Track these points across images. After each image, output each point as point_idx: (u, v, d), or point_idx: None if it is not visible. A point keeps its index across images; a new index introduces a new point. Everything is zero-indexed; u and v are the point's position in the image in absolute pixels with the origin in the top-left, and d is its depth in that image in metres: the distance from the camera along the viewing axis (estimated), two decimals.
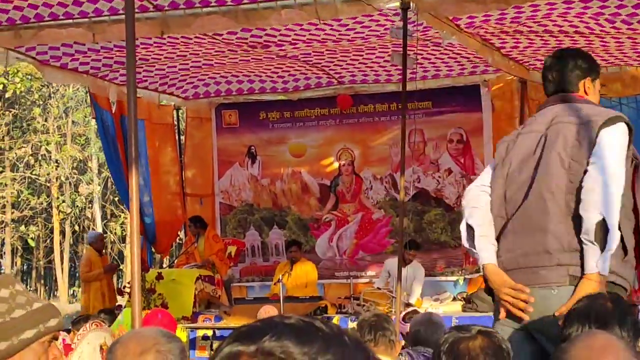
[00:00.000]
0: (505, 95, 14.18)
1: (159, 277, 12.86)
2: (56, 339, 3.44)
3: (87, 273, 14.84)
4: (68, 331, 9.61)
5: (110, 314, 9.93)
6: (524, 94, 13.88)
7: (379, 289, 12.73)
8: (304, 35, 11.27)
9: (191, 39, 11.24)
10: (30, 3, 9.28)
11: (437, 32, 10.45)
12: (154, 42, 11.21)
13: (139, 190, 6.45)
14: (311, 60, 12.93)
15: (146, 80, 13.71)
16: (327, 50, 12.22)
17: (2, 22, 9.74)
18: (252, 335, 1.48)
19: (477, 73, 13.76)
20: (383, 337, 4.75)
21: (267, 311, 9.27)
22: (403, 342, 6.51)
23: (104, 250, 15.07)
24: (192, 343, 12.52)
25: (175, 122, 16.01)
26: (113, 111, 13.96)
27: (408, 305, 12.25)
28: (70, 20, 9.64)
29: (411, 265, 12.80)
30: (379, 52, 12.41)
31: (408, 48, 9.70)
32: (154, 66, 12.79)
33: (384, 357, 4.62)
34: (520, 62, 12.41)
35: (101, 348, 6.15)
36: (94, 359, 6.11)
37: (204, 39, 11.26)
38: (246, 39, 11.39)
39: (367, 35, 11.31)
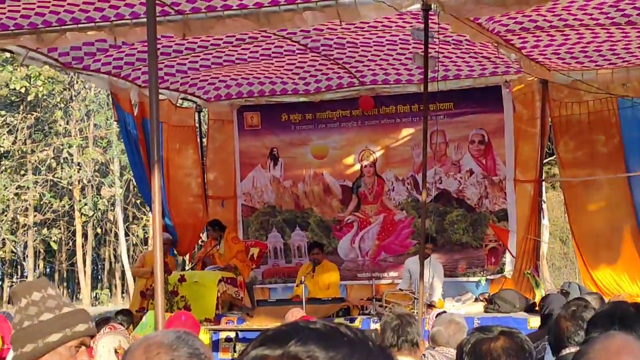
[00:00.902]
0: (526, 96, 14.16)
1: (182, 279, 12.90)
2: (86, 345, 3.44)
3: (136, 268, 14.97)
4: None
5: (129, 315, 9.93)
6: (545, 95, 13.86)
7: (401, 290, 12.72)
8: (324, 31, 11.27)
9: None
10: (52, 10, 9.33)
11: (457, 33, 10.43)
12: (175, 41, 11.23)
13: (161, 192, 6.48)
14: (332, 55, 12.93)
15: (167, 80, 13.75)
16: (347, 42, 12.22)
17: (24, 26, 9.80)
18: (278, 340, 1.48)
19: (499, 74, 13.75)
20: (406, 341, 4.73)
21: (294, 314, 9.25)
22: (427, 344, 6.50)
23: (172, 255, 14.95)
24: (215, 345, 12.54)
25: (197, 125, 16.05)
26: (135, 113, 14.00)
27: (430, 306, 12.25)
28: (92, 24, 9.70)
29: (429, 262, 12.72)
30: (400, 49, 12.41)
31: (429, 49, 9.69)
32: (175, 61, 12.78)
33: (406, 358, 4.62)
34: (542, 62, 12.38)
35: (116, 351, 6.17)
36: None
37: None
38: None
39: (388, 36, 11.32)
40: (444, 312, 8.49)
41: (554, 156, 15.97)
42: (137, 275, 14.86)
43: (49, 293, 3.42)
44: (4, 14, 9.49)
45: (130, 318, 9.79)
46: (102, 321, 8.81)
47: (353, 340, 1.49)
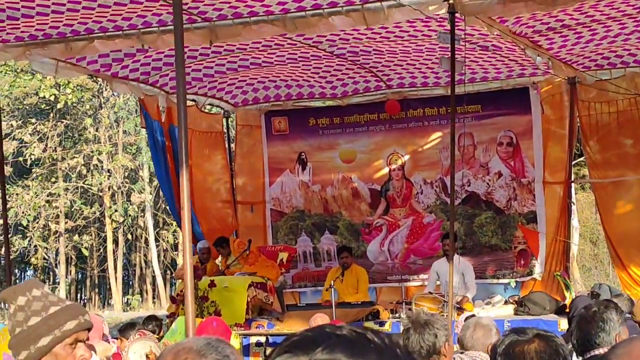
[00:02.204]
0: (554, 97, 14.09)
1: (212, 284, 12.93)
2: (81, 339, 3.40)
3: (178, 270, 15.08)
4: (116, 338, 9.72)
5: (156, 320, 9.96)
6: (574, 96, 13.80)
7: (430, 293, 12.71)
8: (351, 35, 11.29)
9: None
10: (80, 21, 9.42)
11: (484, 35, 10.43)
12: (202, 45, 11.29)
13: (189, 199, 6.52)
14: (359, 61, 12.95)
15: (195, 85, 13.82)
16: (374, 50, 12.24)
17: (52, 36, 9.90)
18: (304, 347, 1.45)
19: (526, 75, 13.72)
20: (422, 348, 4.70)
21: (317, 320, 9.27)
22: (456, 347, 6.49)
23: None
24: (246, 350, 12.58)
25: (225, 130, 16.11)
26: (162, 120, 14.06)
27: (460, 309, 12.23)
28: (120, 32, 9.78)
29: (455, 261, 12.64)
30: (427, 54, 12.42)
31: (456, 51, 9.69)
32: (202, 64, 12.84)
33: None
34: (570, 62, 12.34)
35: (147, 357, 6.22)
36: None
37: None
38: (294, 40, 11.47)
39: (414, 45, 11.34)
40: (473, 315, 8.46)
41: (584, 157, 15.90)
42: (177, 277, 14.97)
43: (33, 295, 3.37)
44: (33, 26, 9.59)
45: (159, 323, 9.81)
46: (128, 326, 8.84)
47: (380, 347, 1.46)
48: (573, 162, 15.01)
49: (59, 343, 3.32)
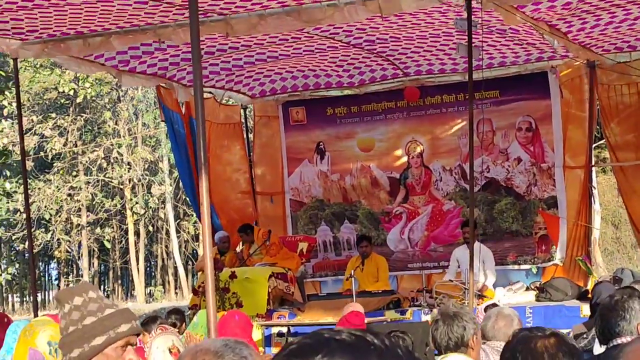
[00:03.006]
0: (574, 80, 14.01)
1: (233, 276, 12.98)
2: (132, 344, 3.49)
3: (198, 262, 15.21)
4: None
5: (179, 313, 9.98)
6: (593, 79, 13.71)
7: (450, 281, 12.70)
8: (368, 24, 11.27)
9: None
10: (98, 24, 9.47)
11: (501, 20, 10.38)
12: (219, 37, 11.30)
13: (209, 192, 6.53)
14: (375, 49, 12.93)
15: (212, 79, 13.84)
16: (390, 37, 12.21)
17: (70, 33, 9.95)
18: (303, 354, 1.43)
19: (544, 60, 13.63)
20: (451, 340, 4.70)
21: (350, 308, 9.22)
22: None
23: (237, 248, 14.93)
24: (268, 340, 12.62)
25: (243, 121, 16.13)
26: (182, 112, 14.09)
27: (481, 296, 12.22)
28: (137, 27, 9.81)
29: (479, 250, 12.60)
30: (443, 41, 12.38)
31: (473, 37, 9.65)
32: (220, 59, 12.86)
33: (458, 357, 4.61)
34: (588, 46, 12.26)
35: (170, 351, 6.24)
36: None
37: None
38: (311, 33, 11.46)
39: (431, 30, 11.30)
40: (494, 304, 8.44)
41: (604, 140, 15.81)
42: (197, 269, 15.04)
43: (90, 296, 3.46)
44: (50, 27, 9.64)
45: (182, 317, 9.84)
46: (150, 319, 8.83)
47: (381, 349, 1.44)
48: (593, 145, 14.90)
49: (111, 344, 3.41)
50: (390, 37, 12.12)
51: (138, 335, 3.57)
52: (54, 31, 9.85)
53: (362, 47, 12.79)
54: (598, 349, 5.72)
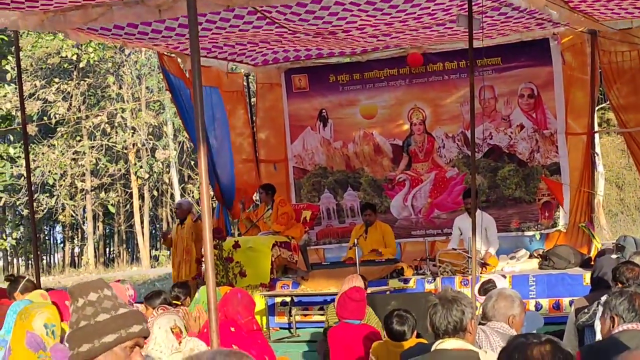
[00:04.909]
0: (575, 47, 13.95)
1: (236, 245, 13.00)
2: (140, 345, 3.52)
3: (165, 234, 15.39)
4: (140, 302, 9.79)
5: (184, 287, 9.97)
6: (595, 45, 13.65)
7: (454, 249, 12.71)
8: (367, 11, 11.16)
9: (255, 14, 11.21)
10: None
11: None
12: (221, 18, 11.23)
13: (207, 162, 6.46)
14: (379, 27, 12.76)
15: (215, 51, 13.77)
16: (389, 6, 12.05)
17: (67, 2, 9.90)
18: None
19: (546, 27, 13.53)
20: (449, 324, 4.72)
21: (352, 281, 9.26)
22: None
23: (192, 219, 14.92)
24: (271, 309, 12.68)
25: (246, 89, 16.09)
26: (187, 76, 13.97)
27: (484, 264, 12.24)
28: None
29: (480, 217, 12.58)
30: (444, 11, 12.24)
31: (473, 7, 9.59)
32: (221, 34, 12.78)
33: (455, 342, 4.62)
34: (590, 14, 12.17)
35: (172, 331, 6.28)
36: (168, 341, 6.26)
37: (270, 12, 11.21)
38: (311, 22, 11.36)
39: (433, 5, 11.19)
40: (489, 280, 8.45)
41: (608, 102, 15.70)
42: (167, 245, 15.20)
43: (105, 294, 3.48)
44: (51, 5, 9.62)
45: (186, 290, 9.83)
46: (155, 294, 8.84)
47: None
48: (597, 107, 14.80)
49: (121, 343, 3.42)
50: (389, 6, 11.93)
51: (146, 337, 3.60)
52: (54, 7, 9.79)
53: (364, 30, 12.61)
54: (599, 325, 5.77)
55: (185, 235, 14.29)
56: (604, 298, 6.14)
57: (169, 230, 16.43)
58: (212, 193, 14.64)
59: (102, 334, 3.40)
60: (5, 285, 8.90)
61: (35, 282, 9.35)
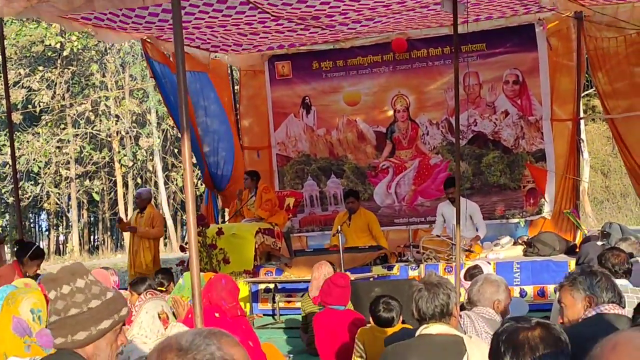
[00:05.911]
0: (561, 32, 13.89)
1: (220, 232, 12.96)
2: (124, 324, 3.56)
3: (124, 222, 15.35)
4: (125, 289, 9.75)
5: (166, 273, 10.03)
6: (581, 30, 13.60)
7: (438, 236, 12.67)
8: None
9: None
10: None
11: None
12: (204, 2, 11.12)
13: (191, 150, 6.43)
14: (362, 12, 12.67)
15: (198, 42, 13.67)
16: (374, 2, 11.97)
17: None
18: None
19: (532, 12, 13.47)
20: (436, 309, 4.67)
21: (322, 267, 9.23)
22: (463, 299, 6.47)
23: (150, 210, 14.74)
24: (255, 296, 12.64)
25: (229, 74, 16.02)
26: (171, 61, 13.87)
27: (469, 251, 12.20)
28: None
29: (465, 204, 12.45)
30: None
31: None
32: (204, 19, 12.67)
33: (440, 327, 4.57)
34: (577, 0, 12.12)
35: (159, 316, 6.23)
36: (154, 327, 6.21)
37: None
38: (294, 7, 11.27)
39: None
40: (476, 266, 8.40)
41: (593, 88, 15.66)
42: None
43: (90, 279, 3.48)
44: None
45: (169, 276, 9.88)
46: (139, 280, 8.88)
47: None
48: (583, 94, 14.75)
49: (115, 327, 3.47)
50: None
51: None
52: None
53: (347, 15, 12.52)
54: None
55: (144, 224, 14.21)
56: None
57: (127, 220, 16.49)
58: (196, 181, 14.59)
59: (97, 320, 3.41)
60: None
61: (44, 250, 9.31)
